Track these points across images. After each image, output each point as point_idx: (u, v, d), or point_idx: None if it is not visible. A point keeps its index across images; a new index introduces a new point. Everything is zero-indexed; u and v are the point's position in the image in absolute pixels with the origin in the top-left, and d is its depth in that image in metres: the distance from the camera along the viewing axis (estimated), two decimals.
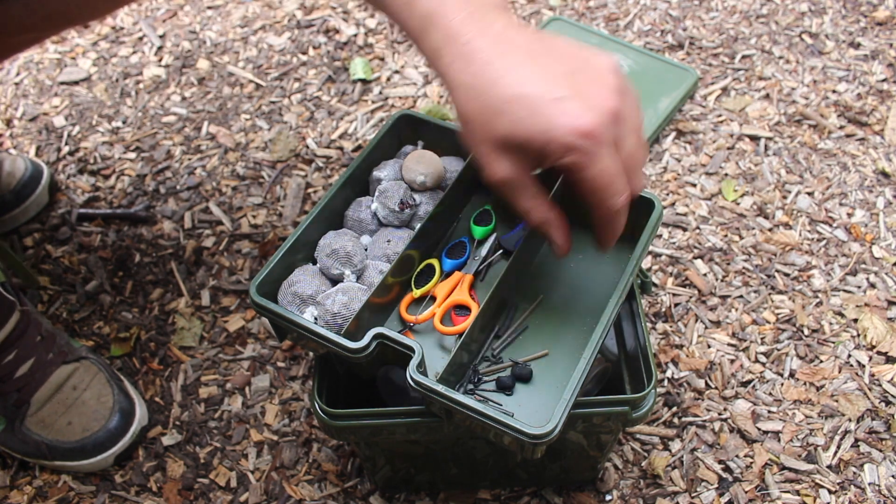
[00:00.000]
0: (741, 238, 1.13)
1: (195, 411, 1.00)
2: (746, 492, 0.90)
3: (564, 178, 0.68)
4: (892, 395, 0.97)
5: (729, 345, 1.03)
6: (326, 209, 0.82)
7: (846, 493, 0.90)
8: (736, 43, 1.41)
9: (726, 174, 1.21)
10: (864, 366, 1.00)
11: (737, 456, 0.93)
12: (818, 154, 1.24)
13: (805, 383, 0.99)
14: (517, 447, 0.67)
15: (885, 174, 1.20)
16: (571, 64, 0.61)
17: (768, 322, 1.05)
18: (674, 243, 1.13)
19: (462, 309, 0.79)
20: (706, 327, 1.04)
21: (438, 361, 0.76)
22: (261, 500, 0.92)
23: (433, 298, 0.80)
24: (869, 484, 0.90)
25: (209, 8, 1.54)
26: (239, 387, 1.01)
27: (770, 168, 1.22)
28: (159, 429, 0.98)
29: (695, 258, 1.11)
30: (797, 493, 0.90)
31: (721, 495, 0.90)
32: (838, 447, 0.93)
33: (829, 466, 0.92)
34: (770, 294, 1.07)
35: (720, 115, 1.29)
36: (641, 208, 0.80)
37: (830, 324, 1.04)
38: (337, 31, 1.47)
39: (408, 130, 0.90)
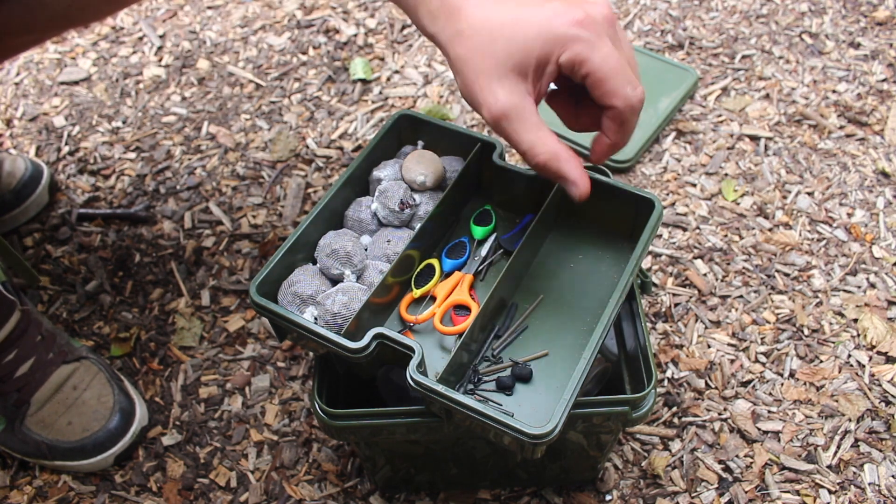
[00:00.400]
0: (741, 238, 1.13)
1: (195, 411, 1.00)
2: (746, 492, 0.90)
3: (576, 86, 0.64)
4: (892, 395, 0.97)
5: (729, 345, 1.03)
6: (326, 209, 0.82)
7: (846, 493, 0.90)
8: (736, 43, 1.41)
9: (726, 174, 1.21)
10: (864, 366, 1.00)
11: (737, 456, 0.93)
12: (818, 154, 1.24)
13: (805, 383, 0.99)
14: (517, 447, 0.67)
15: (885, 174, 1.20)
16: None
17: (768, 322, 1.05)
18: (674, 243, 1.13)
19: (462, 309, 0.79)
20: (706, 327, 1.04)
21: (438, 361, 0.76)
22: (261, 500, 0.92)
23: (433, 298, 0.80)
24: (869, 484, 0.90)
25: (209, 8, 1.54)
26: (239, 387, 1.01)
27: (770, 168, 1.22)
28: (159, 429, 0.98)
29: (695, 258, 1.11)
30: (797, 493, 0.90)
31: (721, 495, 0.90)
32: (838, 447, 0.93)
33: (829, 466, 0.92)
34: (770, 294, 1.07)
35: (720, 115, 1.29)
36: (641, 208, 0.80)
37: (830, 324, 1.04)
38: (337, 31, 1.47)
39: (408, 130, 0.90)
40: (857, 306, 1.05)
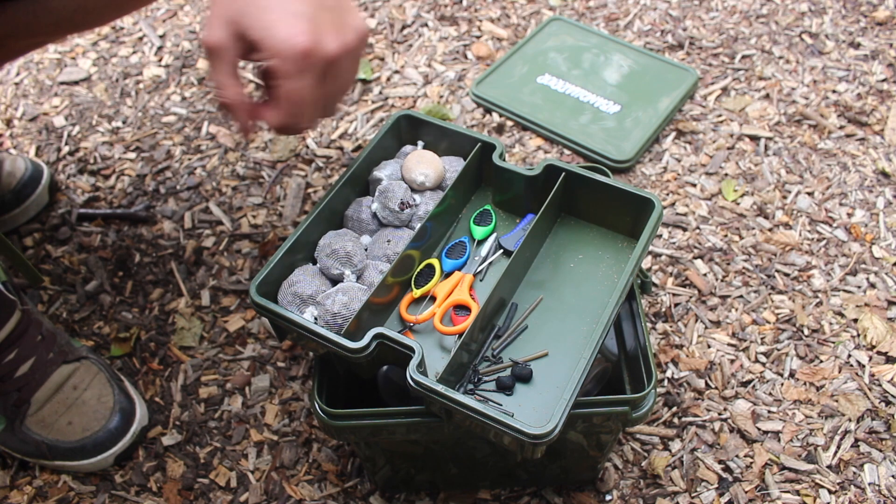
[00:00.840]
0: (741, 238, 1.13)
1: (195, 411, 1.00)
2: (746, 492, 0.90)
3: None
4: (892, 395, 0.97)
5: (729, 345, 1.03)
6: (326, 209, 0.82)
7: (846, 493, 0.90)
8: (736, 43, 1.41)
9: (726, 174, 1.21)
10: (864, 366, 1.00)
11: (737, 456, 0.93)
12: (818, 154, 1.24)
13: (805, 383, 0.99)
14: (517, 447, 0.67)
15: (885, 174, 1.20)
16: (328, 1, 0.65)
17: (768, 322, 1.05)
18: (674, 243, 1.13)
19: (462, 309, 0.79)
20: (706, 327, 1.04)
21: (438, 361, 0.76)
22: (261, 500, 0.92)
23: (433, 298, 0.80)
24: (869, 484, 0.90)
25: (209, 8, 1.54)
26: (239, 387, 1.01)
27: (770, 168, 1.22)
28: (159, 429, 0.98)
29: (695, 258, 1.11)
30: (797, 493, 0.90)
31: (721, 495, 0.90)
32: (838, 447, 0.93)
33: (829, 466, 0.92)
34: (770, 294, 1.07)
35: (720, 115, 1.29)
36: (641, 208, 0.81)
37: (830, 324, 1.04)
38: None
39: (408, 130, 0.90)
40: (857, 306, 1.05)
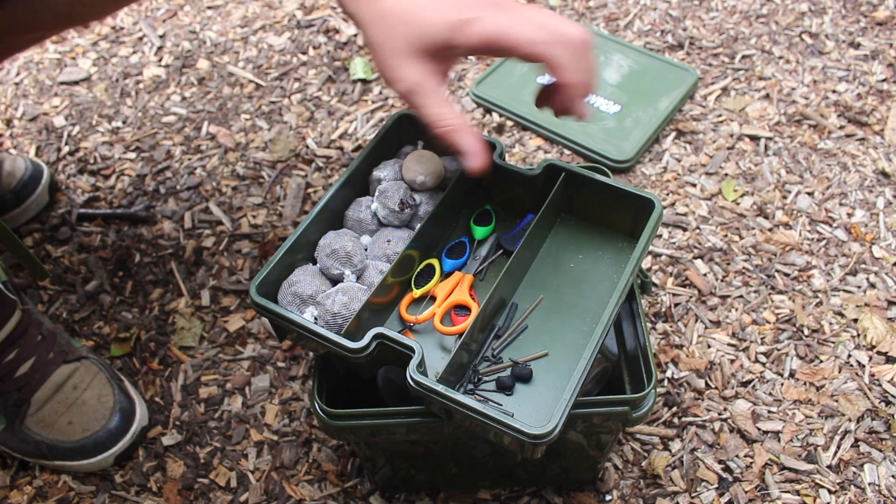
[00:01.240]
0: (741, 238, 1.13)
1: (195, 411, 1.00)
2: (746, 492, 0.90)
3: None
4: (892, 395, 0.97)
5: (729, 345, 1.03)
6: (326, 209, 0.82)
7: (846, 493, 0.90)
8: (736, 43, 1.41)
9: (726, 174, 1.21)
10: (864, 366, 1.00)
11: (737, 456, 0.93)
12: (818, 154, 1.24)
13: (805, 383, 0.99)
14: (517, 447, 0.67)
15: (885, 174, 1.20)
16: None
17: (768, 322, 1.05)
18: (674, 243, 1.13)
19: (462, 309, 0.79)
20: (706, 327, 1.04)
21: (438, 361, 0.76)
22: (261, 500, 0.92)
23: (433, 298, 0.80)
24: (869, 484, 0.90)
25: (209, 8, 1.54)
26: (239, 387, 1.02)
27: (770, 168, 1.22)
28: (159, 429, 0.98)
29: (695, 258, 1.11)
30: (797, 493, 0.90)
31: (721, 495, 0.90)
32: (838, 447, 0.93)
33: (829, 466, 0.92)
34: (770, 294, 1.07)
35: (720, 115, 1.29)
36: (641, 208, 0.81)
37: (830, 324, 1.04)
38: (337, 31, 1.47)
39: (408, 130, 0.90)
40: (857, 306, 1.05)
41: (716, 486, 0.91)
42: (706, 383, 0.99)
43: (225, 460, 0.96)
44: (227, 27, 1.49)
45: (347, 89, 1.37)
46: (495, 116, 1.31)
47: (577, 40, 0.65)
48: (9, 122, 1.35)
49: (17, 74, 1.43)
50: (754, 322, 1.05)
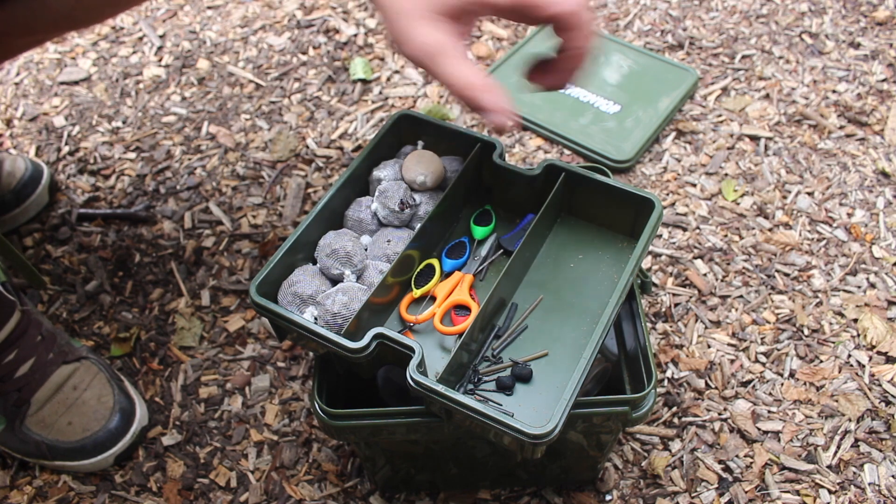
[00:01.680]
0: (741, 238, 1.13)
1: (195, 411, 1.00)
2: (746, 492, 0.90)
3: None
4: (892, 395, 0.97)
5: (729, 345, 1.03)
6: (326, 209, 0.82)
7: (846, 493, 0.90)
8: (736, 43, 1.41)
9: (726, 174, 1.21)
10: (864, 366, 1.00)
11: (737, 456, 0.93)
12: (818, 154, 1.24)
13: (805, 383, 0.99)
14: (517, 447, 0.67)
15: (885, 174, 1.20)
16: None
17: (768, 322, 1.05)
18: (674, 243, 1.13)
19: (462, 309, 0.79)
20: (706, 327, 1.04)
21: (438, 361, 0.76)
22: (261, 500, 0.92)
23: (433, 298, 0.80)
24: (869, 484, 0.90)
25: (209, 8, 1.54)
26: (239, 387, 1.02)
27: (770, 168, 1.22)
28: (159, 429, 0.98)
29: (695, 258, 1.11)
30: (797, 493, 0.90)
31: (721, 495, 0.90)
32: (838, 447, 0.93)
33: (829, 466, 0.92)
34: (770, 294, 1.07)
35: (720, 115, 1.29)
36: (641, 208, 0.81)
37: (830, 324, 1.04)
38: (337, 31, 1.47)
39: (408, 130, 0.90)
40: (857, 306, 1.05)
41: (716, 486, 0.91)
42: (706, 383, 0.99)
43: (225, 460, 0.96)
44: (227, 27, 1.49)
45: (347, 89, 1.37)
46: None
47: (587, 3, 0.63)
48: (9, 122, 1.35)
49: (17, 74, 1.43)
50: (754, 322, 1.05)
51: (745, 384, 0.99)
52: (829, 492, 0.90)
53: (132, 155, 1.29)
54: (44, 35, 0.98)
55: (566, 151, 1.25)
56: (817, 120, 1.27)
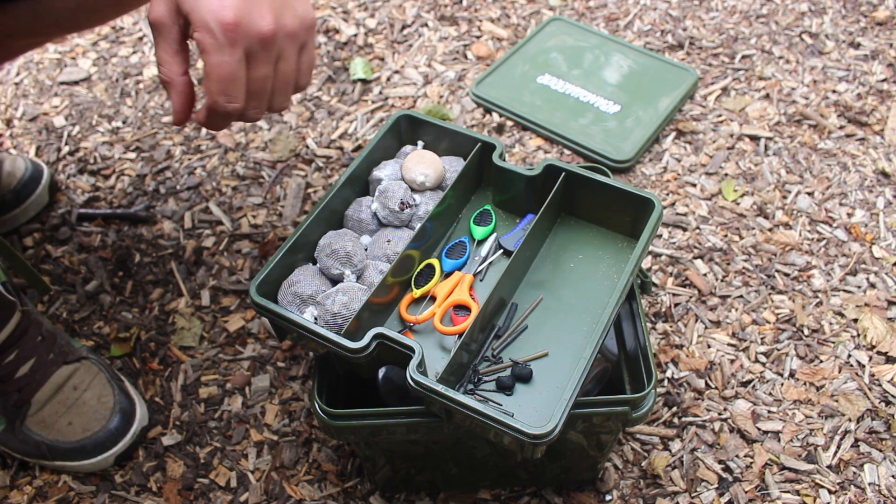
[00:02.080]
0: (741, 238, 1.13)
1: (195, 411, 1.00)
2: (746, 492, 0.90)
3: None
4: (892, 395, 0.97)
5: (729, 345, 1.03)
6: (326, 209, 0.82)
7: (846, 493, 0.90)
8: (736, 43, 1.41)
9: (726, 174, 1.21)
10: (864, 366, 1.00)
11: (737, 456, 0.93)
12: (818, 154, 1.24)
13: (805, 383, 0.99)
14: (517, 447, 0.67)
15: (885, 174, 1.20)
16: None
17: (768, 322, 1.05)
18: (674, 243, 1.13)
19: (462, 309, 0.79)
20: (706, 327, 1.04)
21: (438, 361, 0.76)
22: (261, 500, 0.92)
23: (433, 298, 0.80)
24: (869, 484, 0.90)
25: None
26: (239, 387, 1.02)
27: (770, 168, 1.22)
28: (159, 429, 0.98)
29: (695, 258, 1.11)
30: (797, 493, 0.90)
31: (721, 495, 0.90)
32: (838, 447, 0.93)
33: (829, 466, 0.92)
34: (770, 294, 1.07)
35: (720, 115, 1.29)
36: (641, 208, 0.81)
37: (830, 324, 1.04)
38: (337, 31, 1.47)
39: (408, 130, 0.90)
40: (857, 306, 1.05)
41: (716, 486, 0.91)
42: (706, 383, 0.99)
43: (225, 460, 0.96)
44: None
45: (347, 89, 1.37)
46: (495, 116, 1.31)
47: (219, 112, 0.67)
48: (9, 122, 1.35)
49: (17, 74, 1.43)
50: (754, 322, 1.05)
51: (745, 384, 0.99)
52: (829, 492, 0.90)
53: (132, 155, 1.29)
54: (45, 37, 0.98)
55: (566, 151, 1.25)
56: (817, 120, 1.27)
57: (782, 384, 0.99)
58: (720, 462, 0.93)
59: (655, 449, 0.94)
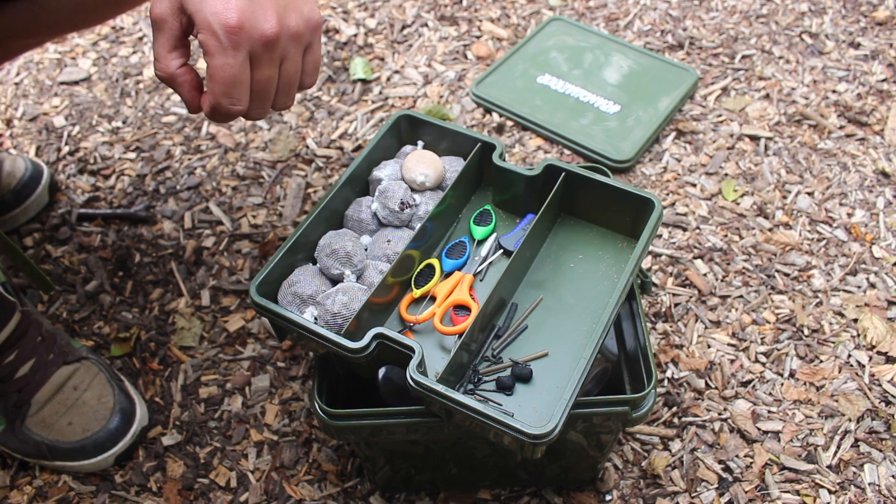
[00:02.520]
0: (741, 238, 1.13)
1: (195, 411, 1.00)
2: (746, 492, 0.90)
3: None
4: (892, 395, 0.97)
5: (729, 345, 1.03)
6: (326, 209, 0.82)
7: (846, 493, 0.90)
8: (736, 43, 1.41)
9: (726, 174, 1.21)
10: (864, 366, 1.00)
11: (737, 456, 0.93)
12: (818, 154, 1.24)
13: (805, 383, 0.99)
14: (517, 447, 0.67)
15: (885, 174, 1.20)
16: None
17: (768, 322, 1.05)
18: (674, 243, 1.13)
19: (462, 309, 0.79)
20: (706, 327, 1.04)
21: (438, 361, 0.76)
22: (261, 500, 0.92)
23: (433, 298, 0.80)
24: (869, 484, 0.90)
25: None
26: (239, 387, 1.02)
27: (770, 168, 1.22)
28: (159, 429, 0.98)
29: (695, 258, 1.11)
30: (797, 493, 0.90)
31: (721, 495, 0.90)
32: (838, 447, 0.93)
33: (829, 466, 0.92)
34: (770, 294, 1.07)
35: (720, 115, 1.29)
36: (641, 208, 0.81)
37: (830, 324, 1.04)
38: (337, 31, 1.47)
39: (408, 130, 0.90)
40: (857, 306, 1.05)
41: (716, 486, 0.91)
42: (706, 383, 0.99)
43: (225, 460, 0.96)
44: None
45: (347, 89, 1.37)
46: (495, 116, 1.31)
47: (217, 117, 0.67)
48: (9, 122, 1.35)
49: (17, 74, 1.43)
50: (754, 322, 1.05)
51: (745, 384, 0.99)
52: (829, 492, 0.90)
53: (132, 155, 1.29)
54: (44, 37, 0.98)
55: (566, 151, 1.25)
56: (817, 120, 1.27)
57: (782, 384, 0.99)
58: (720, 462, 0.93)
59: (655, 449, 0.94)
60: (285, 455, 0.95)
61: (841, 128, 1.27)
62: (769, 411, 0.96)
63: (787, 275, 1.09)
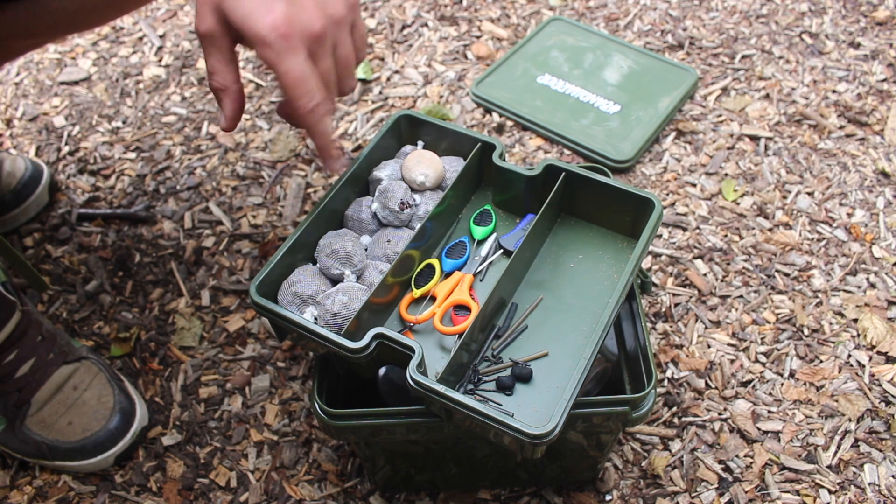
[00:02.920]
0: (741, 238, 1.13)
1: (195, 411, 1.00)
2: (746, 492, 0.90)
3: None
4: (892, 395, 0.97)
5: (729, 345, 1.03)
6: (326, 209, 0.82)
7: (846, 493, 0.90)
8: (736, 43, 1.41)
9: (726, 174, 1.21)
10: (864, 366, 1.00)
11: (737, 456, 0.93)
12: (818, 154, 1.24)
13: (805, 383, 0.99)
14: (517, 447, 0.67)
15: (885, 174, 1.20)
16: None
17: (768, 322, 1.05)
18: (674, 243, 1.13)
19: (462, 309, 0.79)
20: (706, 327, 1.04)
21: (438, 361, 0.76)
22: (261, 500, 0.92)
23: (433, 298, 0.80)
24: (869, 484, 0.90)
25: None
26: (239, 387, 1.02)
27: (770, 168, 1.22)
28: (159, 429, 0.98)
29: (695, 258, 1.11)
30: (797, 493, 0.90)
31: (721, 495, 0.90)
32: (838, 447, 0.93)
33: (829, 466, 0.92)
34: (770, 294, 1.07)
35: (720, 115, 1.29)
36: (641, 208, 0.81)
37: (830, 324, 1.04)
38: None
39: (408, 130, 0.90)
40: (857, 306, 1.05)
41: (716, 486, 0.91)
42: (706, 383, 0.99)
43: (225, 460, 0.96)
44: None
45: None
46: (495, 116, 1.31)
47: (309, 115, 0.67)
48: (9, 122, 1.35)
49: (17, 74, 1.43)
50: (754, 322, 1.05)
51: (745, 384, 0.99)
52: (829, 492, 0.90)
53: (132, 155, 1.29)
54: (45, 38, 0.98)
55: (566, 151, 1.25)
56: (817, 120, 1.27)
57: (782, 384, 0.99)
58: (720, 462, 0.93)
59: (655, 449, 0.94)
60: (285, 455, 0.95)
61: (841, 128, 1.27)
62: (769, 411, 0.97)
63: (787, 275, 1.09)
